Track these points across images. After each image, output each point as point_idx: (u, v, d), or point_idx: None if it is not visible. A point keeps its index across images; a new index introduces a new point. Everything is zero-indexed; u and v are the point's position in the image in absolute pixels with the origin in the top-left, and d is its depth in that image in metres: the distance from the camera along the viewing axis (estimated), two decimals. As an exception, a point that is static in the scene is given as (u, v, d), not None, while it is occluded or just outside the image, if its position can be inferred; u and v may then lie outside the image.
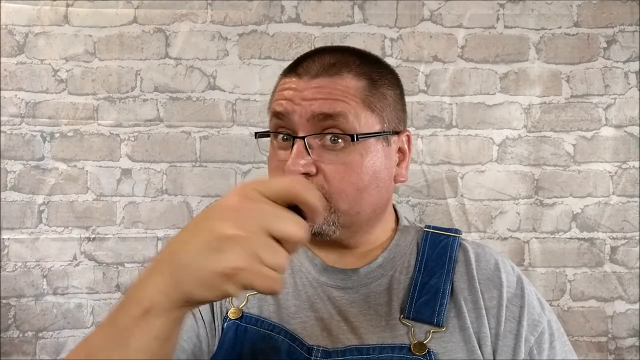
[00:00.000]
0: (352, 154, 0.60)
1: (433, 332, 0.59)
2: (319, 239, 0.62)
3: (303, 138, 0.60)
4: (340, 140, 0.60)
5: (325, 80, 0.61)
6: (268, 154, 0.67)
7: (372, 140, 0.62)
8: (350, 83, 0.61)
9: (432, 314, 0.60)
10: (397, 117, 0.66)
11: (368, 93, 0.62)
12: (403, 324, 0.61)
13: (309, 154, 0.59)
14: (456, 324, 0.60)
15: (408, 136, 0.68)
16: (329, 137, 0.60)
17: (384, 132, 0.63)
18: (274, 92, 0.68)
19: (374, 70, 0.65)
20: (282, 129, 0.63)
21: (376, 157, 0.62)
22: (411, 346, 0.59)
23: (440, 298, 0.61)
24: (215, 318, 0.64)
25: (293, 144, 0.60)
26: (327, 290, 0.64)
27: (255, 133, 0.68)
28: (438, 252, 0.65)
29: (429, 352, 0.58)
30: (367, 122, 0.61)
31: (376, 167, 0.62)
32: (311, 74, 0.62)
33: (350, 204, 0.61)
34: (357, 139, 0.60)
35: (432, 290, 0.62)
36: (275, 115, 0.63)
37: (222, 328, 0.63)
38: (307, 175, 0.59)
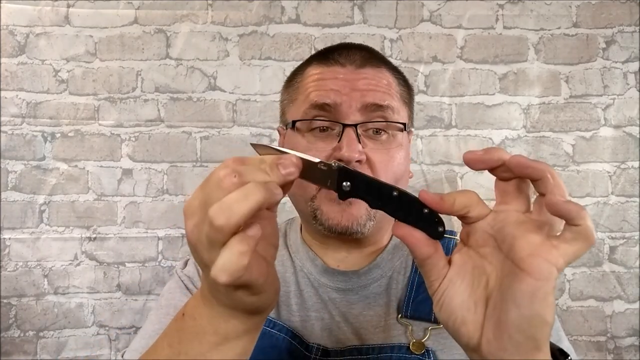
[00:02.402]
0: (394, 145, 0.62)
1: (431, 329, 0.60)
2: (350, 237, 0.61)
3: (355, 126, 0.59)
4: (382, 132, 0.62)
5: (372, 72, 0.62)
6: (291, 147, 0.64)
7: (405, 134, 0.64)
8: (390, 78, 0.64)
9: (430, 311, 0.60)
10: (412, 117, 0.69)
11: (403, 89, 0.65)
12: (401, 323, 0.61)
13: (359, 142, 0.59)
14: None
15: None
16: (372, 128, 0.61)
17: (409, 129, 0.66)
18: (293, 80, 0.66)
19: (399, 70, 0.68)
20: (321, 119, 0.61)
21: (405, 150, 0.64)
22: (410, 345, 0.59)
23: None
24: None
25: (342, 133, 0.59)
26: (328, 291, 0.65)
27: (293, 122, 0.63)
28: None
29: (427, 350, 0.58)
30: (403, 116, 0.64)
31: (406, 161, 0.64)
32: (356, 64, 0.62)
33: None
34: (406, 130, 0.63)
35: None
36: (319, 107, 0.61)
37: None
38: (358, 162, 0.59)
